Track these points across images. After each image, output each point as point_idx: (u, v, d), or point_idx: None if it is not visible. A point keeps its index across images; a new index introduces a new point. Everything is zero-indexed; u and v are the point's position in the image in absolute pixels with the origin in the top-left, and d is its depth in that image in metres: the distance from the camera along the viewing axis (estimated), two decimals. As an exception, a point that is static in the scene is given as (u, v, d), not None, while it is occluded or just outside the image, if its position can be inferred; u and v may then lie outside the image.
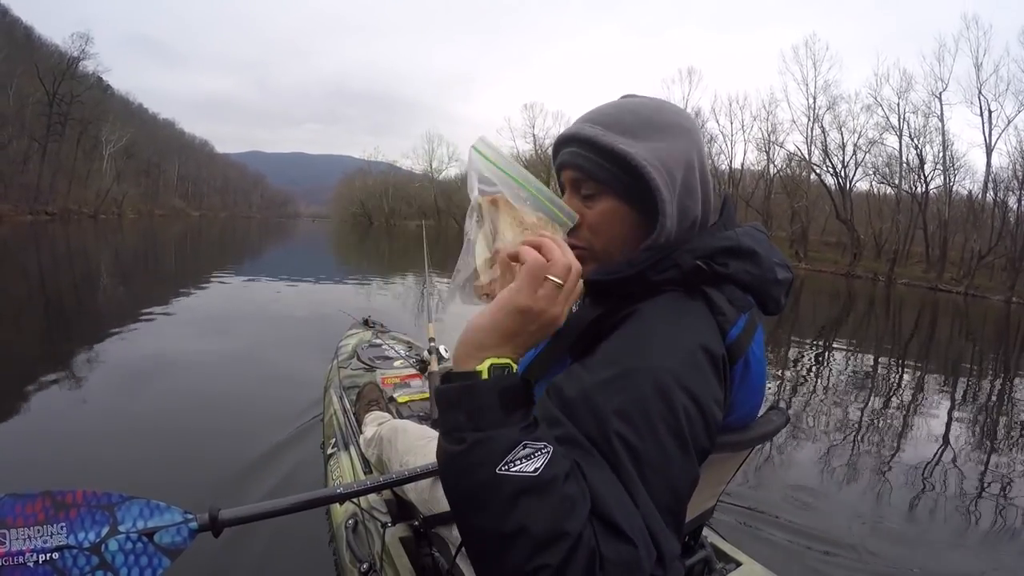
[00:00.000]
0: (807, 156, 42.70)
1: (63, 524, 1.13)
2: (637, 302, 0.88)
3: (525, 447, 0.67)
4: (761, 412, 1.07)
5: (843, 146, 40.90)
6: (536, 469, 0.65)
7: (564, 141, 0.99)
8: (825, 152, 41.42)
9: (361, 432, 2.44)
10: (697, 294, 0.89)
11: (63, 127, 49.61)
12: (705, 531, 1.53)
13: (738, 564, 1.73)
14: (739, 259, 0.92)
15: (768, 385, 6.53)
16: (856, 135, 40.39)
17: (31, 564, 1.09)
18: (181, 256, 21.76)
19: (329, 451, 2.75)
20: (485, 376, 0.72)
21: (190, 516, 1.22)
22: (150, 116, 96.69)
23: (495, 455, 0.67)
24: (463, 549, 1.25)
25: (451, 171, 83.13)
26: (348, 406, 2.96)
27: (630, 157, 0.89)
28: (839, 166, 40.99)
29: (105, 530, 1.16)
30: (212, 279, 12.60)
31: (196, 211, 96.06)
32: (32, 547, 1.09)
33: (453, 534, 1.40)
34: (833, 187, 41.29)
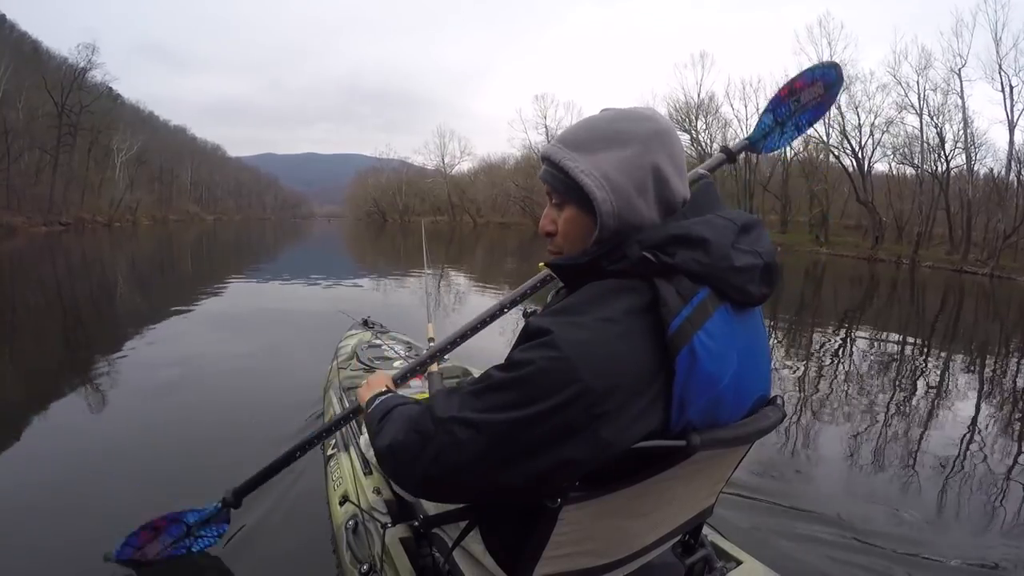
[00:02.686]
0: (825, 138, 42.10)
1: (168, 529, 2.30)
2: None
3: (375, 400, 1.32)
4: (749, 407, 1.07)
5: (859, 127, 40.29)
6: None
7: (541, 158, 1.13)
8: (843, 133, 40.78)
9: (361, 432, 2.44)
10: (644, 284, 0.94)
11: (73, 137, 49.89)
12: (705, 530, 1.52)
13: (739, 563, 1.72)
14: (688, 248, 0.94)
15: (780, 372, 6.46)
16: (874, 115, 39.77)
17: (168, 541, 2.29)
18: (196, 261, 22.37)
19: (329, 452, 2.73)
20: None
21: (218, 504, 2.27)
22: (161, 123, 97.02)
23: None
24: (460, 545, 1.30)
25: (463, 165, 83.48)
26: (348, 407, 2.81)
27: (570, 171, 1.03)
28: (857, 147, 40.38)
29: (184, 528, 2.30)
30: (226, 283, 12.89)
31: (210, 215, 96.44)
32: (163, 542, 2.29)
33: (454, 534, 1.38)
34: (852, 168, 40.65)
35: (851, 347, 8.80)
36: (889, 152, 40.03)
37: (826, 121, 41.27)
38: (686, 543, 1.47)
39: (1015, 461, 4.33)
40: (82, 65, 51.56)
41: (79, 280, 14.33)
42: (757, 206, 47.46)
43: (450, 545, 1.36)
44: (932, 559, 2.81)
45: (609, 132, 1.04)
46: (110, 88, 60.15)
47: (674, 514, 1.21)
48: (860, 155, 40.35)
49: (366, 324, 4.88)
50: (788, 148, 44.04)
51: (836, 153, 41.74)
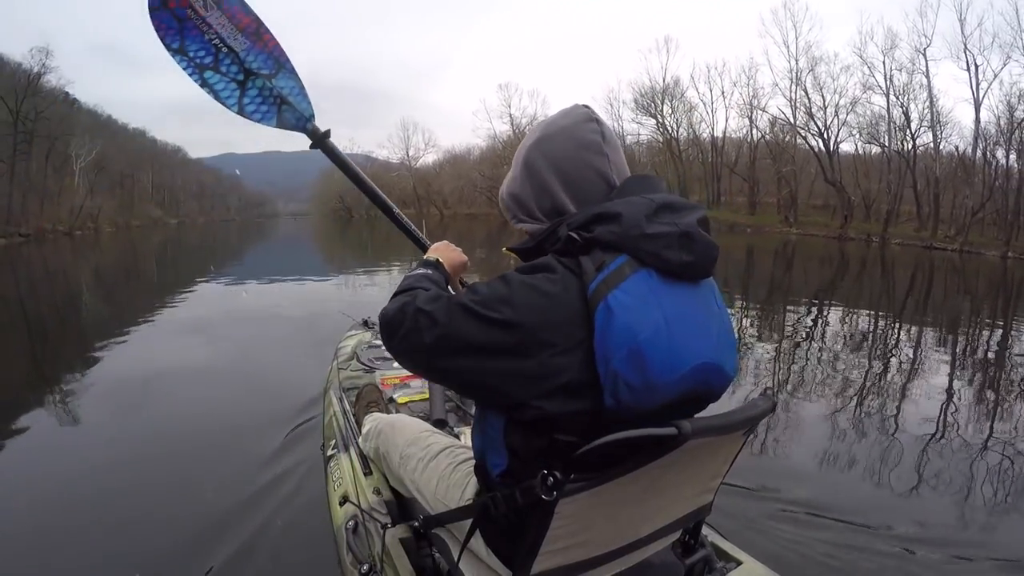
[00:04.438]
0: (791, 119, 42.47)
1: (249, 42, 1.60)
2: None
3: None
4: (688, 368, 1.09)
5: (825, 107, 40.78)
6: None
7: None
8: (809, 114, 41.22)
9: (360, 432, 2.42)
10: (570, 260, 1.09)
11: (30, 145, 48.41)
12: (705, 530, 1.55)
13: (739, 563, 1.73)
14: (604, 223, 1.08)
15: (760, 361, 6.44)
16: (839, 96, 40.28)
17: (208, 37, 1.56)
18: (163, 267, 22.02)
19: (329, 453, 2.70)
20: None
21: (307, 117, 1.77)
22: (120, 127, 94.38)
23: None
24: (466, 550, 1.31)
25: (428, 158, 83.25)
26: (348, 407, 2.93)
27: None
28: (823, 127, 40.84)
29: (265, 72, 1.64)
30: (198, 287, 12.91)
31: (174, 219, 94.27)
32: (220, 32, 1.57)
33: (454, 534, 1.42)
34: (818, 149, 41.09)
35: (826, 327, 8.91)
36: (855, 132, 40.75)
37: (792, 102, 41.77)
38: (686, 543, 1.49)
39: (988, 438, 4.37)
40: (36, 70, 50.05)
41: (43, 293, 14.22)
42: (725, 188, 47.96)
43: (449, 545, 1.42)
44: (934, 555, 2.77)
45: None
46: (66, 92, 58.37)
47: (668, 505, 1.24)
48: (826, 135, 40.98)
49: (366, 324, 4.81)
50: (755, 129, 44.51)
51: (803, 134, 42.30)
